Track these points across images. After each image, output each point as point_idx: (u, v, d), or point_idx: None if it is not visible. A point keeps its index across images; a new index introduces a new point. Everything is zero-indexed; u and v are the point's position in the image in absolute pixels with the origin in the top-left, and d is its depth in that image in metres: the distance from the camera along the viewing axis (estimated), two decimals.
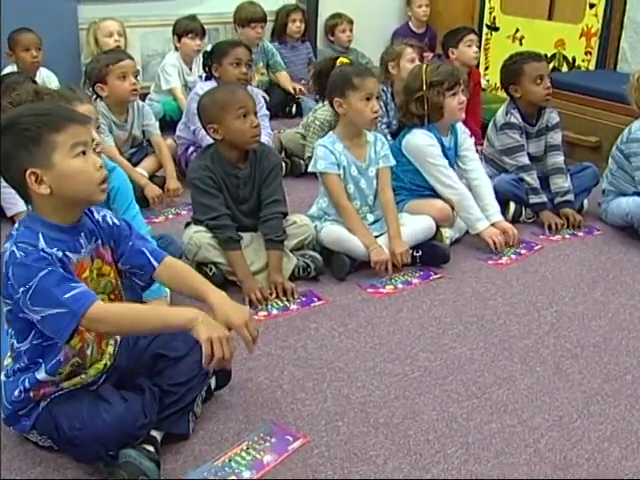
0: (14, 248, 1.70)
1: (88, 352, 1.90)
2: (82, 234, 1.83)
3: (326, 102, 3.28)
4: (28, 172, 1.71)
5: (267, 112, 4.14)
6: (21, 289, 1.68)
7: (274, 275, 2.80)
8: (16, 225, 1.80)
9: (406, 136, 3.28)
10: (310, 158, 3.78)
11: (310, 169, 3.13)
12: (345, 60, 3.17)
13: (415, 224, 3.10)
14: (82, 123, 1.78)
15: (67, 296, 1.67)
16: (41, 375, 1.84)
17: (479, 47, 4.80)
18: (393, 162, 3.15)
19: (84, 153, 1.76)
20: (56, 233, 1.76)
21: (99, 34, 4.79)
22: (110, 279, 1.93)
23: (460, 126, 3.40)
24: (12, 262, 1.69)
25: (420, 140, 3.24)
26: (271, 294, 2.77)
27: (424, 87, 3.24)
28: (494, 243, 3.19)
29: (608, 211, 3.52)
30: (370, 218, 3.13)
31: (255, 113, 2.86)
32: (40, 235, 1.73)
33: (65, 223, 1.79)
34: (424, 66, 3.33)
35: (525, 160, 3.52)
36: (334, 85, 3.06)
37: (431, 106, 3.21)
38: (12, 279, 1.69)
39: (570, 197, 3.55)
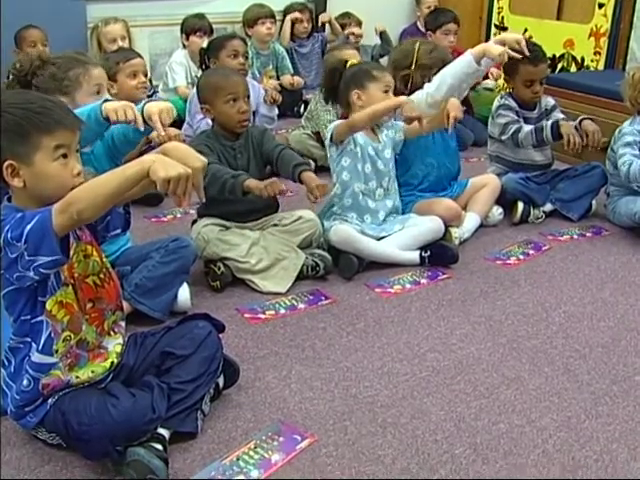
0: None
1: (84, 328, 1.89)
2: None
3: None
4: (6, 163, 1.73)
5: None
6: (2, 238, 1.68)
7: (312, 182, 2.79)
8: None
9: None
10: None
11: (327, 140, 3.08)
12: (355, 61, 3.20)
13: (423, 225, 3.10)
14: (71, 128, 1.79)
15: (35, 212, 1.68)
16: (35, 356, 1.83)
17: (457, 34, 4.96)
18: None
19: (65, 156, 1.77)
20: None
21: (102, 38, 4.72)
22: (95, 258, 1.93)
23: None
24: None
25: None
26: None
27: (412, 66, 3.30)
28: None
29: (615, 212, 3.51)
30: (389, 203, 3.14)
31: (247, 98, 2.92)
32: None
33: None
34: (417, 44, 3.36)
35: (515, 128, 3.52)
36: (353, 78, 3.08)
37: (414, 85, 3.24)
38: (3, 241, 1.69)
39: (586, 116, 3.54)
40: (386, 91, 3.04)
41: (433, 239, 3.10)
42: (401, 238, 3.06)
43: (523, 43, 3.18)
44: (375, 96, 3.02)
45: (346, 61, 3.18)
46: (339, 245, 2.99)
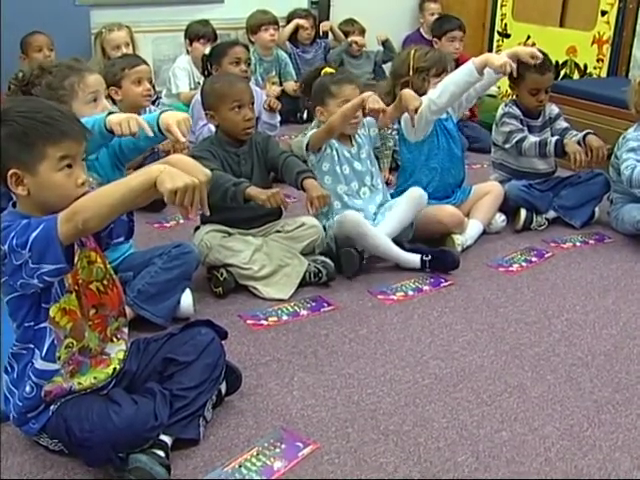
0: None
1: (87, 334, 1.89)
2: None
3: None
4: (10, 172, 1.73)
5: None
6: (7, 244, 1.67)
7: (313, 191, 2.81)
8: None
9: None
10: None
11: (304, 147, 3.11)
12: (329, 70, 3.21)
13: (402, 200, 3.12)
14: (77, 138, 1.79)
15: (41, 220, 1.68)
16: (39, 363, 1.83)
17: (462, 41, 4.95)
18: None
19: (70, 166, 1.76)
20: None
21: (106, 45, 4.67)
22: (99, 265, 1.93)
23: None
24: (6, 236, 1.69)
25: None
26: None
27: (410, 72, 3.33)
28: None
29: (618, 219, 3.51)
30: (378, 199, 3.17)
31: (252, 105, 2.92)
32: None
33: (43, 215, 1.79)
34: (412, 51, 3.41)
35: (519, 137, 3.52)
36: (315, 94, 3.14)
37: (415, 91, 3.24)
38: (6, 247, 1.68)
39: (591, 131, 3.55)
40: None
41: (417, 208, 3.12)
42: (389, 223, 3.06)
43: (538, 57, 3.20)
44: (334, 112, 3.04)
45: (321, 69, 3.21)
46: (343, 229, 2.98)
